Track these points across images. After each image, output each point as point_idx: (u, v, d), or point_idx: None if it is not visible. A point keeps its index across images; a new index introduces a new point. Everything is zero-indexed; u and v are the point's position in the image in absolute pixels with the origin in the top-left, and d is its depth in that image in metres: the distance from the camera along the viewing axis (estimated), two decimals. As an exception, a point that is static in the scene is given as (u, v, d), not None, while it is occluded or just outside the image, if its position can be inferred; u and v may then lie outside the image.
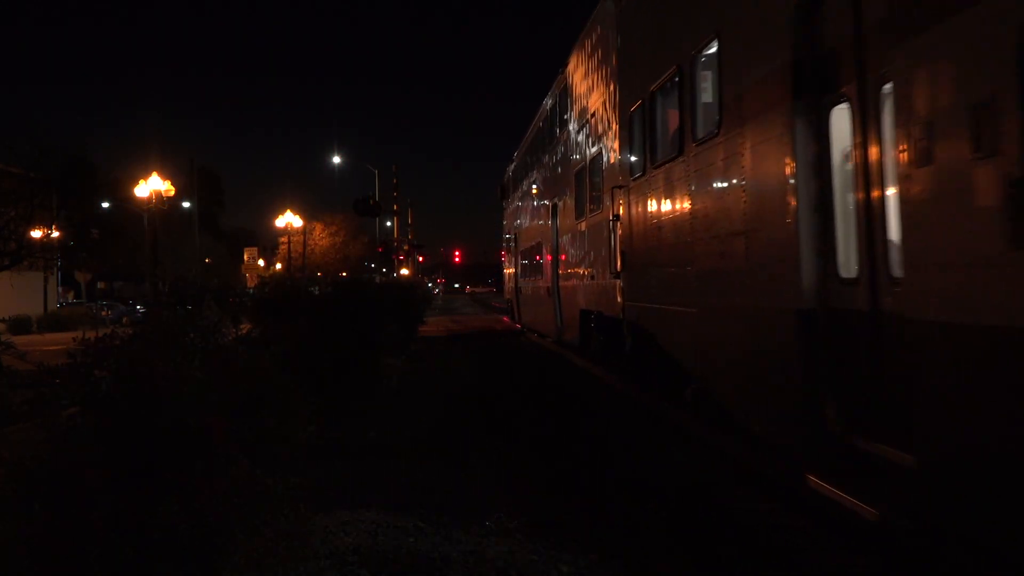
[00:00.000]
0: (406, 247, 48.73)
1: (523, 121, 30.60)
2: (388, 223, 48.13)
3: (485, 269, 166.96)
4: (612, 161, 12.24)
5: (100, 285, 56.05)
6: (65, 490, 3.81)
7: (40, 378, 4.42)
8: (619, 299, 11.67)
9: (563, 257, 17.98)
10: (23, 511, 3.83)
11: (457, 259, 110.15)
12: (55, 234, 22.79)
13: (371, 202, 35.62)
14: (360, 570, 4.57)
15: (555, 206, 18.90)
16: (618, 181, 11.43)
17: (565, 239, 17.64)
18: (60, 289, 53.85)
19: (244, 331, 6.87)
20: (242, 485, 4.42)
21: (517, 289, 29.17)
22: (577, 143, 15.82)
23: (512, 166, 30.34)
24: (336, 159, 48.47)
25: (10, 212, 19.52)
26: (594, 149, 13.87)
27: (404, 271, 51.29)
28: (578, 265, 15.86)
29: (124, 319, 37.30)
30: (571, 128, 16.57)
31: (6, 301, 34.06)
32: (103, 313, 38.90)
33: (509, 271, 32.79)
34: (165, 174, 30.57)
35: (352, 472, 6.61)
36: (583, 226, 15.23)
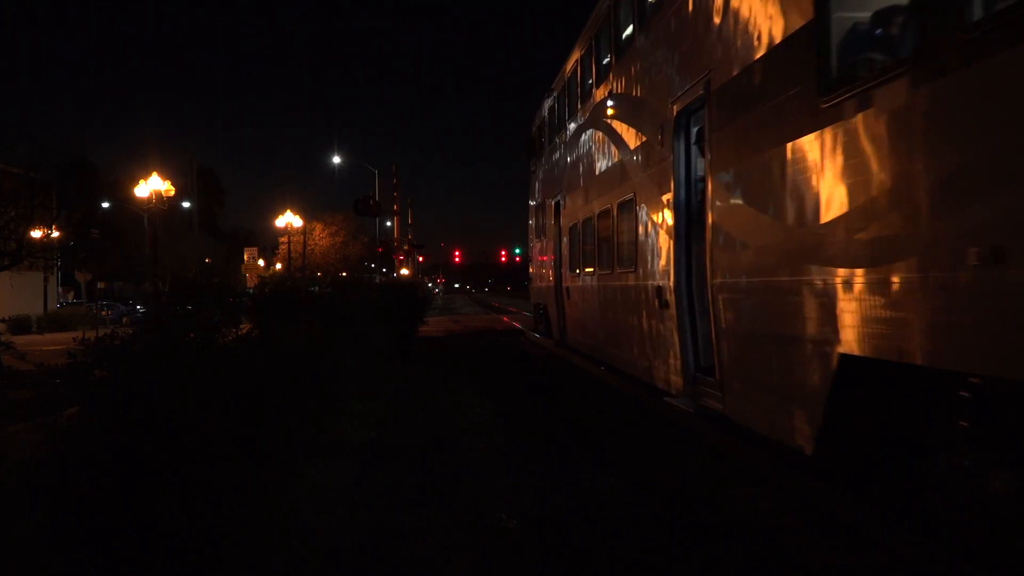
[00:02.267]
0: (406, 247, 48.69)
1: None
2: (388, 223, 48.18)
3: (485, 269, 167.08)
4: None
5: (100, 285, 55.97)
6: (66, 490, 3.82)
7: (40, 378, 4.43)
8: None
9: (733, 224, 7.08)
10: (25, 511, 3.84)
11: (457, 259, 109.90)
12: (55, 234, 22.82)
13: (371, 202, 35.54)
14: (360, 569, 4.58)
15: (693, 114, 8.47)
16: None
17: (737, 176, 6.97)
18: (60, 289, 53.86)
19: (244, 331, 6.86)
20: (242, 485, 4.41)
21: (561, 291, 17.25)
22: None
23: (548, 100, 18.84)
24: (336, 159, 48.57)
25: (10, 212, 19.57)
26: None
27: (404, 271, 51.27)
28: (891, 229, 4.59)
29: (124, 319, 37.31)
30: None
31: (6, 301, 34.06)
32: (103, 313, 38.88)
33: (540, 269, 20.71)
34: (165, 174, 30.58)
35: (352, 471, 6.61)
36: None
